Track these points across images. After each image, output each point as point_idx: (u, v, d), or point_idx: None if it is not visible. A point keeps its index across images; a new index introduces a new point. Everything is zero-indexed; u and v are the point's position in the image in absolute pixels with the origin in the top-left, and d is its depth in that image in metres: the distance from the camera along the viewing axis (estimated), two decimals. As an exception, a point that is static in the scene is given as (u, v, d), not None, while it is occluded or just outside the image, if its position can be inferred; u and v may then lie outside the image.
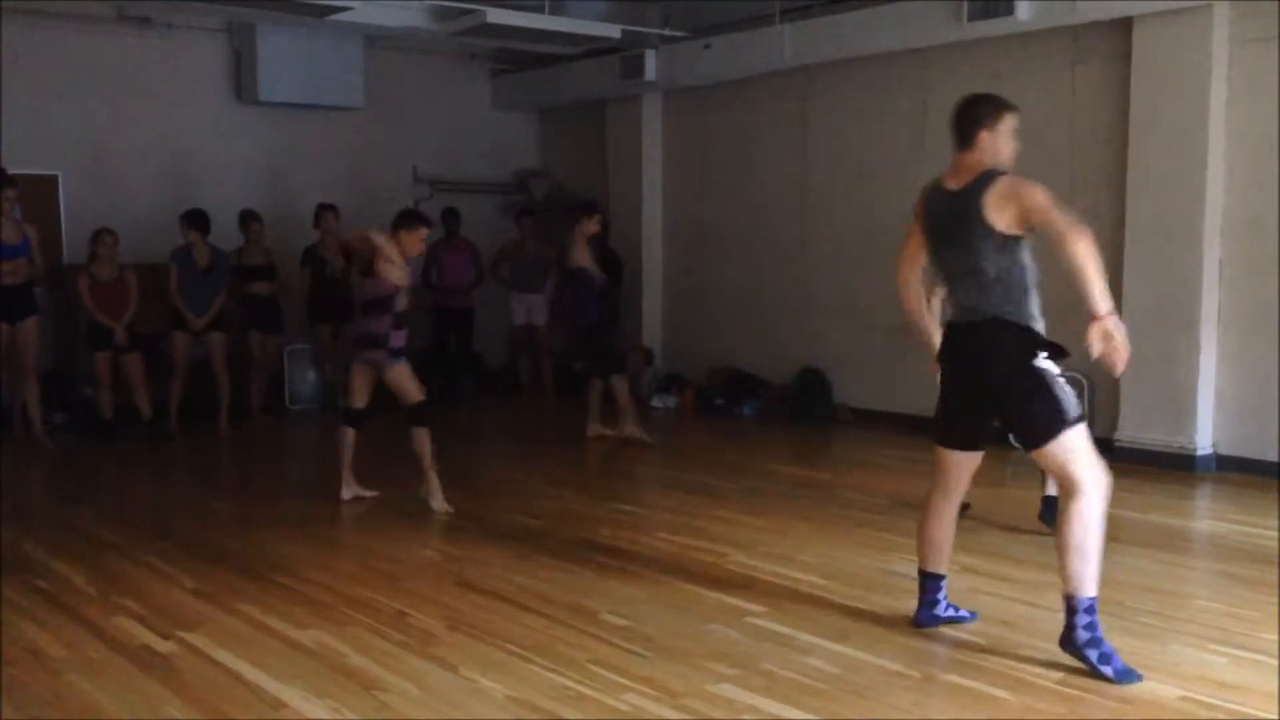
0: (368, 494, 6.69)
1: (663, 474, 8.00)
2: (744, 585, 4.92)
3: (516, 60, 11.68)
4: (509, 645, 4.19)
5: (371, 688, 3.80)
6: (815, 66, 9.42)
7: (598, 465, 8.13)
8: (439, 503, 6.37)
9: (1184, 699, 3.63)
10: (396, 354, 6.42)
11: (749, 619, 4.47)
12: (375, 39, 10.63)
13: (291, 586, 4.96)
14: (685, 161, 10.93)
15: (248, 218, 9.57)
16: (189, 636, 4.29)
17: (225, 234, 9.46)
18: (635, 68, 10.22)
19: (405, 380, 6.43)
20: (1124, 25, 7.52)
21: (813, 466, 7.79)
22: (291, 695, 3.73)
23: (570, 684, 3.80)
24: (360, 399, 6.58)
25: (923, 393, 8.92)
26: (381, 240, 6.32)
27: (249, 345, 9.56)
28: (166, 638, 4.28)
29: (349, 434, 6.65)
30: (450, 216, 10.67)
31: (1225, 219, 7.20)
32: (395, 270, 6.35)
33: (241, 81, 10.38)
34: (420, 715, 3.57)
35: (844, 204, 9.49)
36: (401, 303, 6.45)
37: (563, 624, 4.43)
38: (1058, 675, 3.83)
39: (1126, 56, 7.53)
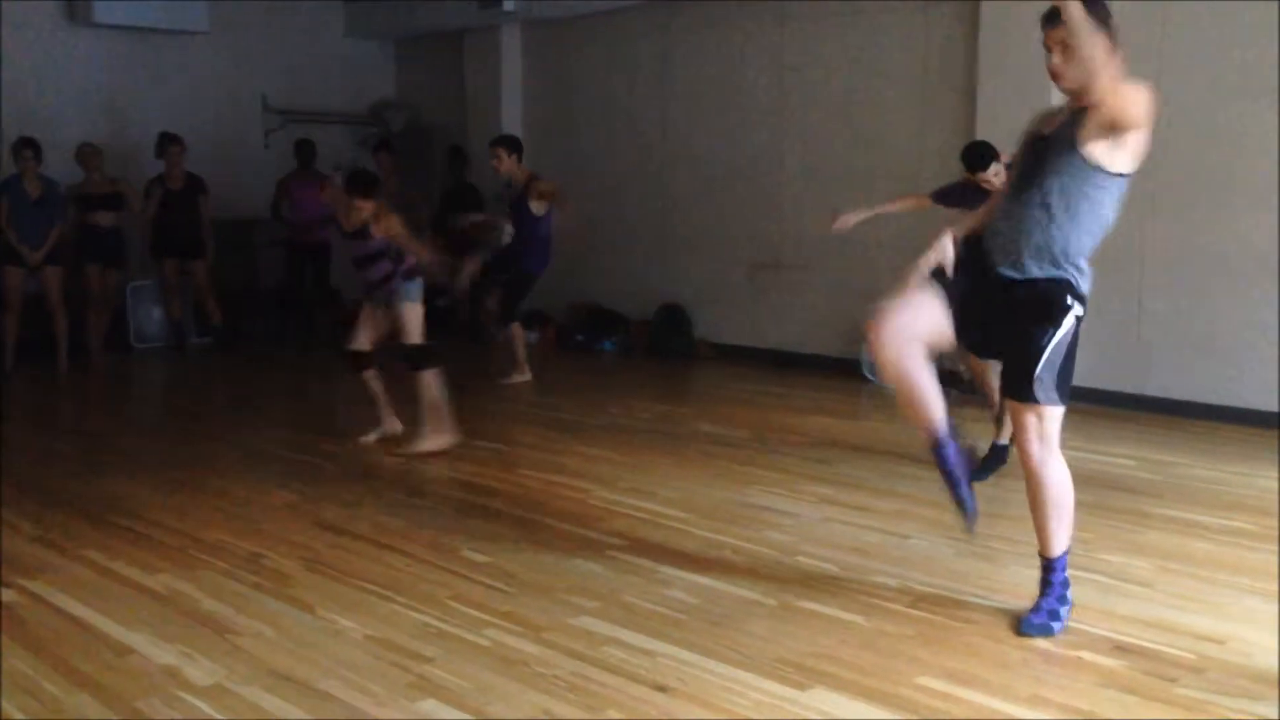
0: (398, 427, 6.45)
1: (524, 411, 7.97)
2: (605, 520, 4.96)
3: (371, -13, 11.33)
4: (368, 585, 4.14)
5: (224, 631, 3.72)
6: (676, 1, 9.37)
7: (459, 402, 8.05)
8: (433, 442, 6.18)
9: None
10: (410, 276, 6.13)
11: (610, 553, 4.50)
12: (221, -40, 10.20)
13: (139, 531, 4.81)
14: (546, 95, 10.79)
15: (85, 150, 9.12)
16: (30, 584, 4.13)
17: (62, 165, 9.00)
18: (493, -3, 10.00)
19: (414, 321, 6.16)
20: (975, -32, 7.66)
21: (673, 402, 7.86)
22: (139, 641, 3.63)
23: (431, 621, 3.79)
24: (363, 340, 6.29)
25: (781, 328, 9.14)
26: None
27: (87, 278, 9.14)
28: (7, 585, 4.10)
29: (370, 375, 6.35)
30: (303, 148, 10.35)
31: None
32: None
33: (75, 2, 9.83)
34: (275, 657, 3.51)
35: (704, 139, 9.51)
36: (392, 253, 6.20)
37: (423, 562, 4.40)
38: (908, 599, 3.97)
39: (976, 18, 7.67)
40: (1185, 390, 7.06)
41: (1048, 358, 3.60)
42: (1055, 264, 3.58)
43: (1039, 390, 3.61)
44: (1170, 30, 6.93)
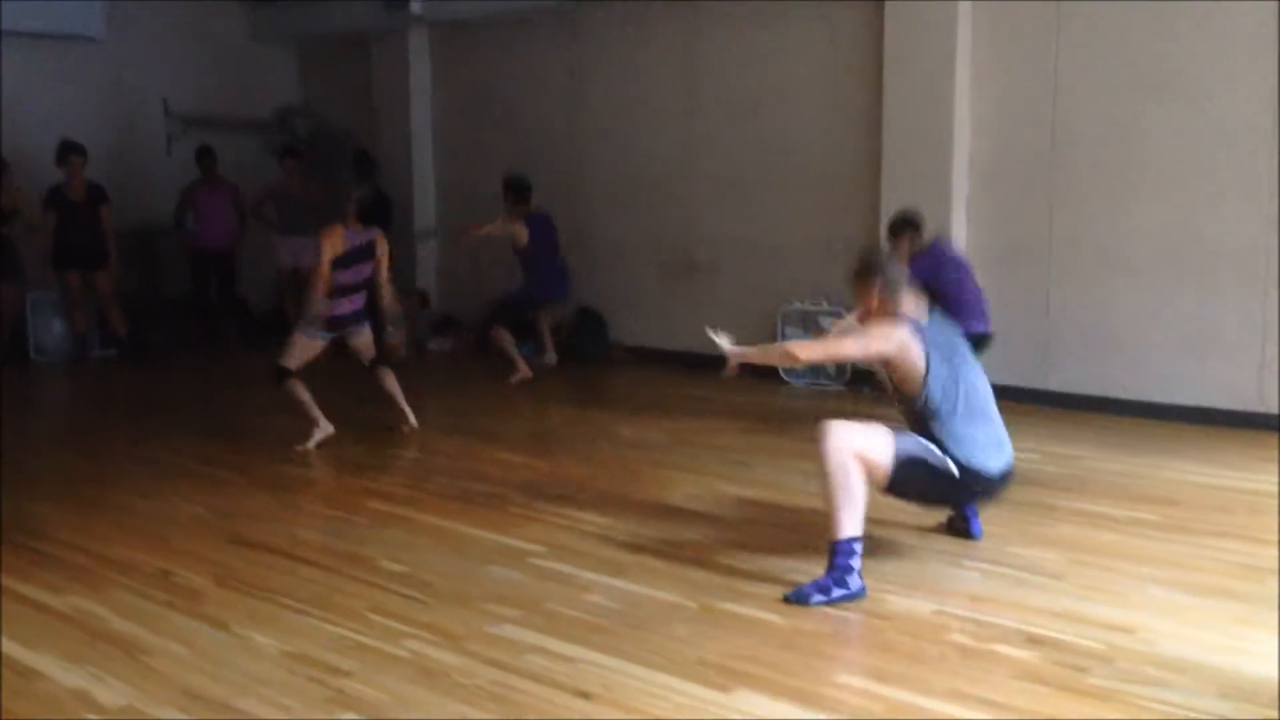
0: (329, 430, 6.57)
1: (439, 418, 7.89)
2: (523, 526, 4.93)
3: (274, -10, 11.15)
4: (283, 599, 4.07)
5: (135, 651, 3.62)
6: (585, 6, 9.37)
7: (372, 412, 7.95)
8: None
9: (937, 612, 3.87)
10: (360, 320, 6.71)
11: (530, 559, 4.48)
12: (116, -37, 9.96)
13: (43, 550, 4.67)
14: (456, 101, 10.71)
15: None
16: (-73, 609, 3.99)
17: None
18: (400, 0, 9.90)
19: (369, 343, 6.80)
20: (879, -28, 7.78)
21: (589, 405, 7.85)
22: (46, 664, 3.52)
23: (349, 634, 3.73)
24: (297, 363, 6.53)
25: (695, 330, 9.15)
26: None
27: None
28: (-100, 612, 3.96)
29: (295, 384, 6.48)
30: (205, 156, 10.14)
31: (972, 162, 7.58)
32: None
33: (-36, 7, 9.53)
34: (189, 677, 3.43)
35: (615, 145, 9.52)
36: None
37: (339, 574, 4.34)
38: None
39: (881, 3, 7.80)
40: (1087, 384, 7.24)
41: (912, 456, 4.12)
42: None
43: (895, 476, 4.12)
44: (1065, 31, 7.10)
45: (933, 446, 4.14)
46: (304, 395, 6.48)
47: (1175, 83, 6.81)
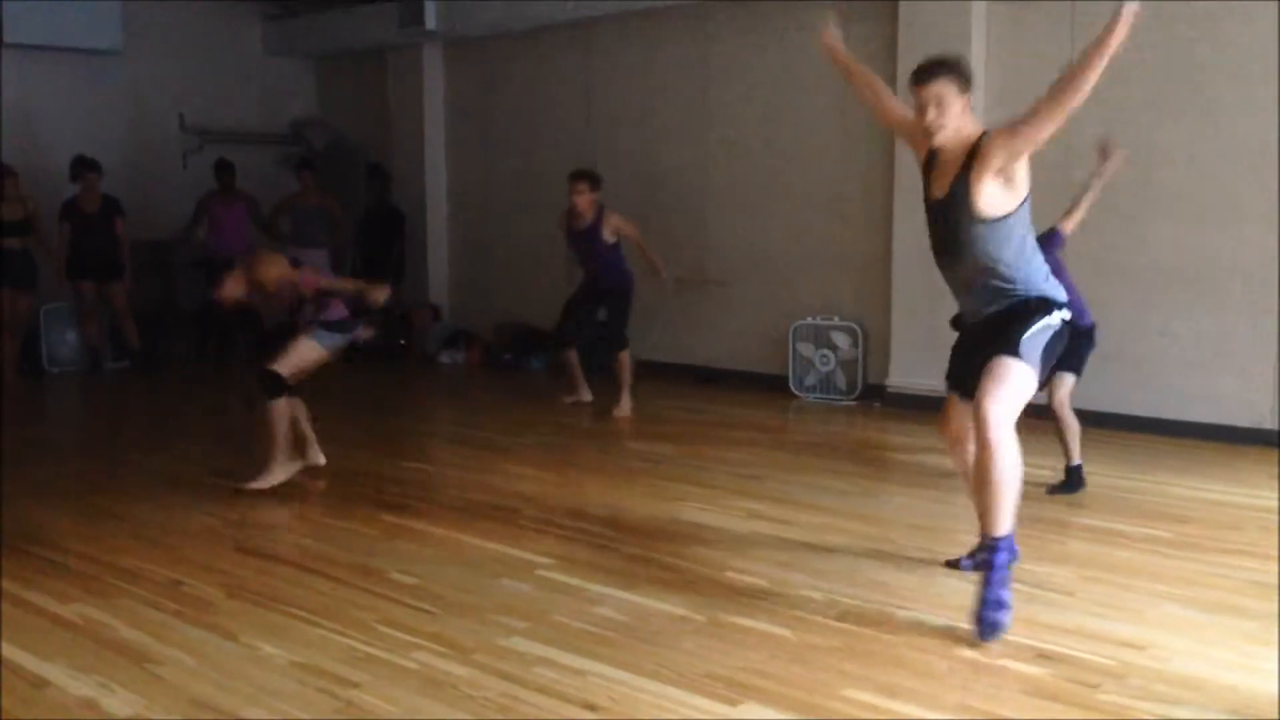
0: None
1: (451, 430, 7.92)
2: (533, 539, 4.93)
3: (291, 4, 11.21)
4: (293, 610, 4.07)
5: (144, 661, 3.63)
6: (598, 19, 9.41)
7: (384, 422, 7.98)
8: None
9: (947, 627, 3.85)
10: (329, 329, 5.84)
11: (539, 572, 4.48)
12: (135, -22, 10.04)
13: (54, 559, 4.68)
14: (469, 114, 10.76)
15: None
16: (-62, 617, 4.00)
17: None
18: (415, 15, 9.96)
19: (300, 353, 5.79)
20: (892, -14, 7.81)
21: (600, 419, 7.85)
22: (55, 673, 3.53)
23: (358, 645, 3.73)
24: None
25: (707, 345, 9.18)
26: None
27: (-3, 303, 8.93)
28: (-88, 620, 3.97)
29: (298, 403, 5.92)
30: (223, 169, 10.19)
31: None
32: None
33: (-16, 20, 9.60)
34: (197, 686, 3.43)
35: (628, 157, 9.54)
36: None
37: (349, 585, 4.34)
38: (834, 612, 4.00)
39: (894, 16, 7.82)
40: (1099, 401, 7.20)
41: (1035, 329, 3.77)
42: (1032, 291, 3.86)
43: (1025, 350, 3.75)
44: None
45: (1042, 322, 3.80)
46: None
47: (1188, 99, 6.81)
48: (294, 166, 10.70)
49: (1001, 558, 3.72)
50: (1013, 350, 3.76)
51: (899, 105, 4.35)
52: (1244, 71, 6.62)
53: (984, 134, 3.80)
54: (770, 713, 3.23)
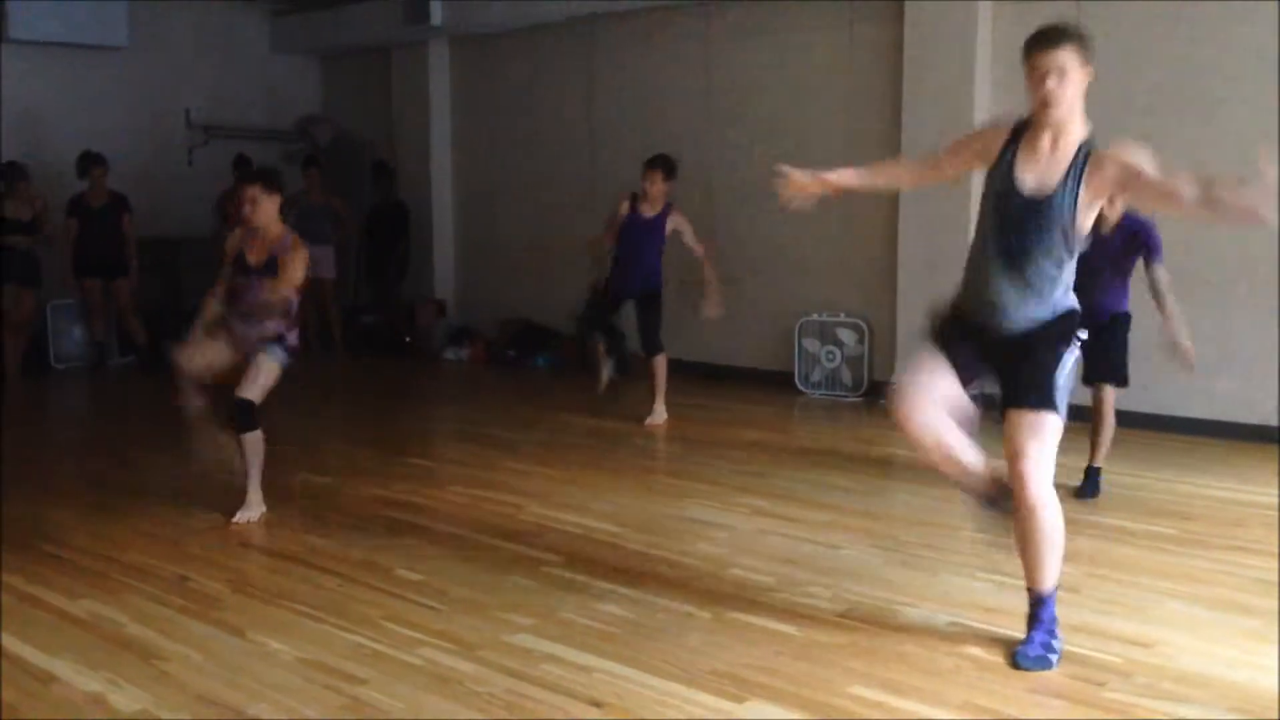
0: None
1: (456, 427, 7.93)
2: (538, 535, 4.94)
3: (297, 1, 11.22)
4: (299, 606, 4.08)
5: (151, 657, 3.64)
6: (602, 16, 9.41)
7: (389, 419, 7.99)
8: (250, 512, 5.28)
9: (952, 624, 3.86)
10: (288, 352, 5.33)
11: (544, 569, 4.48)
12: (140, -26, 10.05)
13: (61, 555, 4.70)
14: (474, 110, 10.76)
15: (8, 171, 8.93)
16: (-54, 613, 4.01)
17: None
18: (420, 12, 9.97)
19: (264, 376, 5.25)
20: (898, -14, 7.80)
21: (605, 416, 7.85)
22: (62, 668, 3.54)
23: (364, 642, 3.74)
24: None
25: (713, 341, 9.17)
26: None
27: (1, 300, 8.92)
28: (-80, 616, 3.99)
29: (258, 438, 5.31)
30: (241, 165, 10.14)
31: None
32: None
33: (-10, 16, 9.62)
34: (204, 682, 3.44)
35: (631, 155, 9.49)
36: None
37: (355, 582, 4.34)
38: (839, 609, 4.00)
39: (899, 18, 7.81)
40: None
41: (1065, 368, 3.55)
42: (1060, 304, 3.59)
43: (1059, 398, 3.53)
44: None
45: (1070, 358, 3.59)
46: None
47: (1188, 93, 6.79)
48: (300, 164, 10.70)
49: (1048, 612, 3.60)
50: (1048, 403, 3.52)
51: (905, 167, 4.22)
52: (1246, 72, 6.60)
53: (1089, 141, 3.50)
54: (775, 710, 3.24)
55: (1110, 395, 5.55)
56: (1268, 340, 6.63)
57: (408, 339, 10.58)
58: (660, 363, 7.49)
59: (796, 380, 8.43)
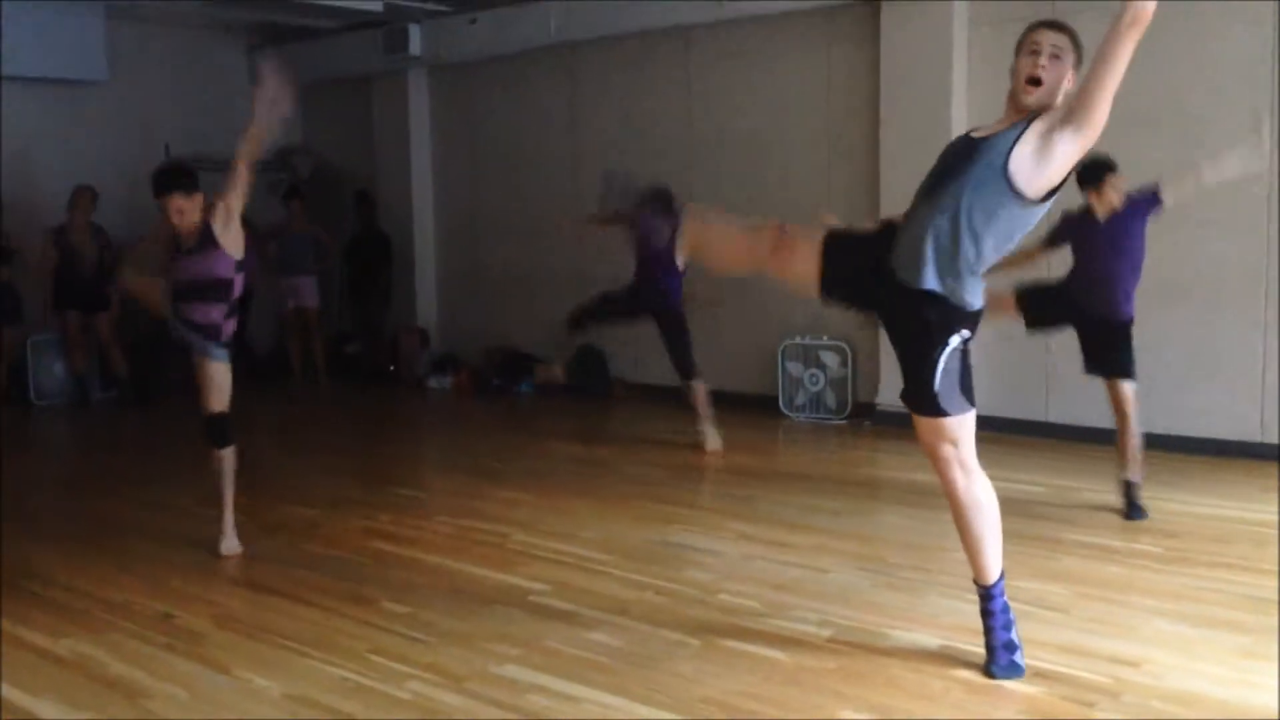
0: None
1: (442, 456, 7.90)
2: (525, 565, 4.92)
3: (275, 34, 11.23)
4: (284, 641, 4.05)
5: (136, 696, 3.60)
6: (582, 43, 9.45)
7: (373, 448, 7.96)
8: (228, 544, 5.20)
9: (943, 647, 3.85)
10: (225, 346, 5.22)
11: (531, 598, 4.46)
12: (119, 9, 10.01)
13: (43, 594, 4.65)
14: (455, 139, 10.78)
15: None
16: (-74, 655, 3.97)
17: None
18: (399, 42, 10.00)
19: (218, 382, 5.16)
20: (874, 9, 7.85)
21: (591, 442, 7.84)
22: (46, 709, 3.50)
23: (350, 676, 3.71)
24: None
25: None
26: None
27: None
28: (-100, 658, 3.94)
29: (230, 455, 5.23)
30: None
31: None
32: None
33: (-32, 53, 9.58)
34: (190, 720, 3.41)
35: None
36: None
37: (341, 615, 4.31)
38: (828, 633, 3.99)
39: (877, 38, 7.87)
40: (1087, 416, 7.21)
41: (941, 369, 3.48)
42: (953, 275, 3.43)
43: (945, 403, 3.50)
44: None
45: (944, 356, 3.51)
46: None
47: (1169, 109, 6.84)
48: (282, 195, 10.69)
49: (998, 604, 3.60)
50: (935, 409, 3.51)
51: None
52: (1224, 80, 6.67)
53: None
54: (766, 737, 3.22)
55: (1122, 389, 5.45)
56: (1251, 356, 6.66)
57: (392, 368, 10.56)
58: (695, 387, 7.34)
59: (780, 404, 8.44)
